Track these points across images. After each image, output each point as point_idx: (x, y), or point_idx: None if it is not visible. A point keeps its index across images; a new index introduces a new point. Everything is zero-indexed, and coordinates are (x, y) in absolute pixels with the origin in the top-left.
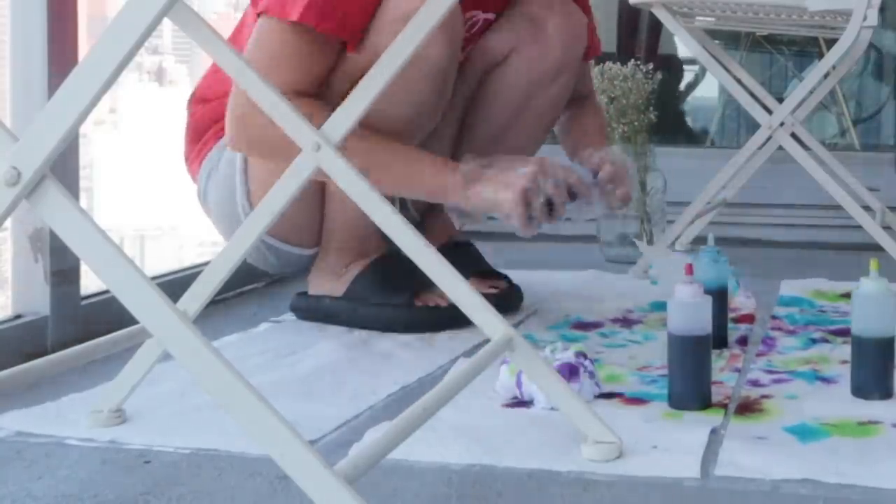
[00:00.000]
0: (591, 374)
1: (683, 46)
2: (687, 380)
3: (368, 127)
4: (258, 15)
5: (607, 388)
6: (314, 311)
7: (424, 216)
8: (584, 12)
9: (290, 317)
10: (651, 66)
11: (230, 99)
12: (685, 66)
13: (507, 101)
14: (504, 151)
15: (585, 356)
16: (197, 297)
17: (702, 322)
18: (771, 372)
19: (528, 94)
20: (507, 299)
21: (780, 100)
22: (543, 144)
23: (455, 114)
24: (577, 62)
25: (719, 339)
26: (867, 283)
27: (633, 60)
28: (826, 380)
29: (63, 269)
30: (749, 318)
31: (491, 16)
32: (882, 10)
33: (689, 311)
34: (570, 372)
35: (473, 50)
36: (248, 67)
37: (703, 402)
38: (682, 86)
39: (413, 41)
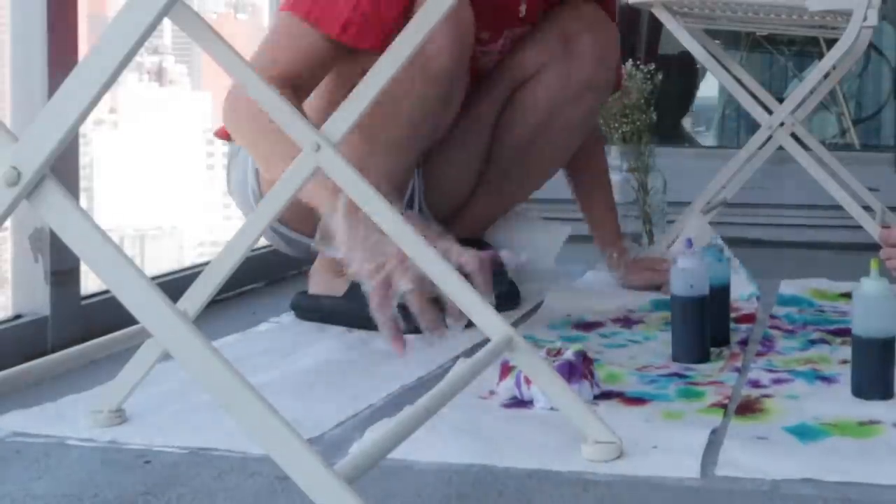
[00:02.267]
0: (591, 374)
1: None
2: (689, 337)
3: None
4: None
5: (607, 388)
6: (314, 310)
7: (447, 220)
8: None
9: (289, 316)
10: (652, 65)
11: (228, 92)
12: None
13: (534, 117)
14: (529, 167)
15: (585, 356)
16: (197, 297)
17: (700, 286)
18: (771, 372)
19: (555, 109)
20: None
21: (780, 100)
22: None
23: (485, 128)
24: (606, 80)
25: (721, 337)
26: (868, 282)
27: (630, 60)
28: (826, 379)
29: (63, 269)
30: (750, 318)
31: (527, 28)
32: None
33: (688, 275)
34: (569, 372)
35: (503, 63)
36: (247, 67)
37: (701, 357)
38: (687, 86)
39: (412, 42)
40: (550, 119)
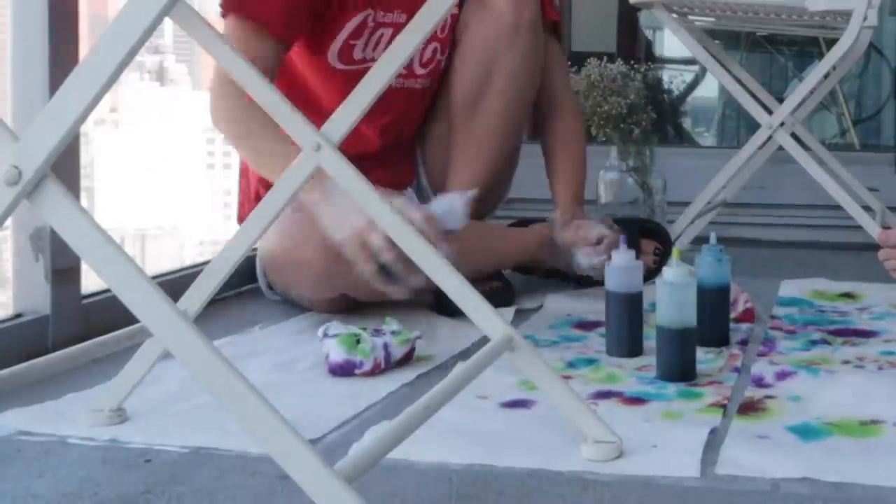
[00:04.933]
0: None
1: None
2: (622, 332)
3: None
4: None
5: (607, 388)
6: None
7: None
8: None
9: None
10: (650, 65)
11: (212, 78)
12: (685, 67)
13: (472, 69)
14: (485, 122)
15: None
16: (197, 296)
17: (635, 282)
18: (774, 365)
19: (490, 58)
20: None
21: (780, 100)
22: None
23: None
24: (533, 21)
25: (720, 337)
26: (668, 272)
27: (631, 61)
28: (828, 380)
29: (64, 268)
30: (749, 317)
31: (456, 11)
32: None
33: (622, 272)
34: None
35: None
36: (248, 67)
37: (632, 352)
38: (683, 86)
39: (412, 43)
40: (490, 68)
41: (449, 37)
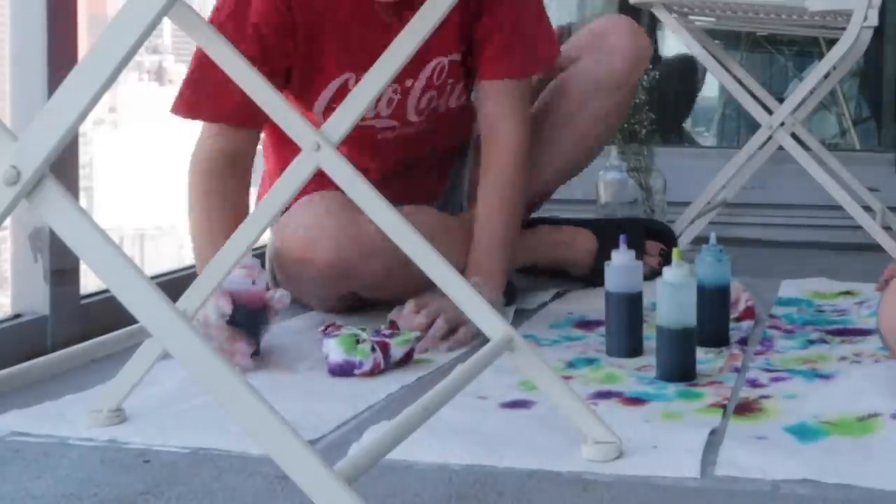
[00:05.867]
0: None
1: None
2: (622, 332)
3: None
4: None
5: (606, 388)
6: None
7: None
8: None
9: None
10: (650, 66)
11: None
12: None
13: (566, 101)
14: (549, 157)
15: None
16: (197, 296)
17: (635, 282)
18: (770, 371)
19: (586, 97)
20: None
21: (780, 100)
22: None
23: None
24: (636, 81)
25: (720, 337)
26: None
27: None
28: (825, 377)
29: (63, 268)
30: (750, 315)
31: (457, 57)
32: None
33: (621, 272)
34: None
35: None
36: (247, 66)
37: (632, 352)
38: (684, 86)
39: (412, 43)
40: (577, 107)
41: (446, 83)
